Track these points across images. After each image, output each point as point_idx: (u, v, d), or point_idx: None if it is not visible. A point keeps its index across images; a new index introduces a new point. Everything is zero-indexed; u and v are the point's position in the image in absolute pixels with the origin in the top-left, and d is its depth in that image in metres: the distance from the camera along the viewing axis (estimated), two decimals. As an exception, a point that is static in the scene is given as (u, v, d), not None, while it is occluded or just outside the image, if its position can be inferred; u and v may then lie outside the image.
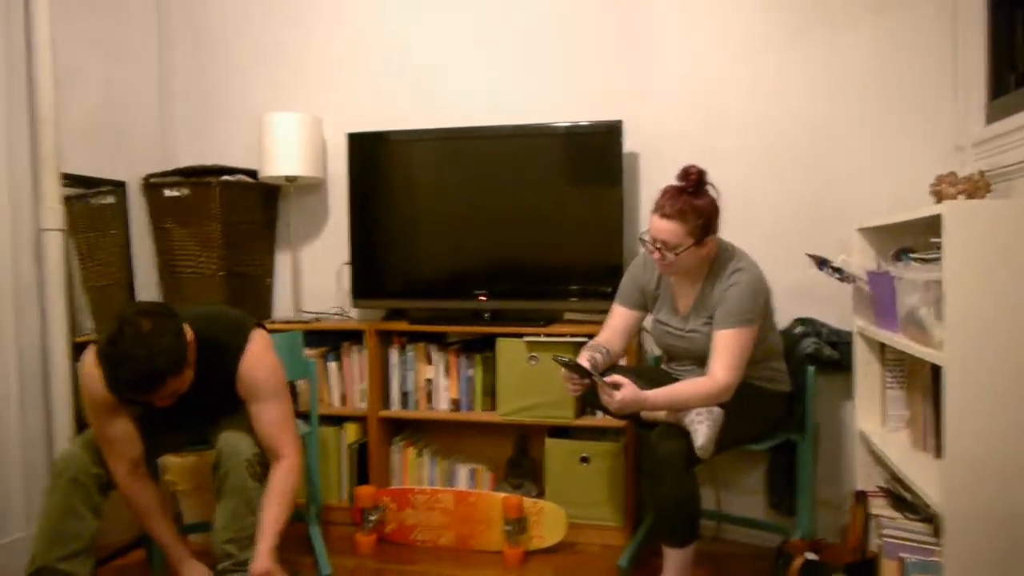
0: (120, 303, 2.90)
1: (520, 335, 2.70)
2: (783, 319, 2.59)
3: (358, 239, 2.97)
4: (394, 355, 2.91)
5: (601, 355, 2.25)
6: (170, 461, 2.70)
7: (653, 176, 2.81)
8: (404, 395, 2.91)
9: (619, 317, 2.35)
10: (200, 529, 2.60)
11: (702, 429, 2.01)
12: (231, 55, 3.25)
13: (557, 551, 2.64)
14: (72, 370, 2.46)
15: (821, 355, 2.47)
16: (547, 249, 2.80)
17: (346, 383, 2.96)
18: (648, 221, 2.16)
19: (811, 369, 2.39)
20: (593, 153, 2.74)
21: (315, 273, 3.20)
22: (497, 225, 2.84)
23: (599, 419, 2.69)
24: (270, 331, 2.18)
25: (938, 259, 1.60)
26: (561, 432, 2.78)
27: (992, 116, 2.20)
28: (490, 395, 2.83)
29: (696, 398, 2.07)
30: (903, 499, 2.09)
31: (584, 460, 2.71)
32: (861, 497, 2.15)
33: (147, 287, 3.10)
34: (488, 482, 2.92)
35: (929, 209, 1.72)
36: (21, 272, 2.35)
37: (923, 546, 1.81)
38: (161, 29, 3.27)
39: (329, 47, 3.16)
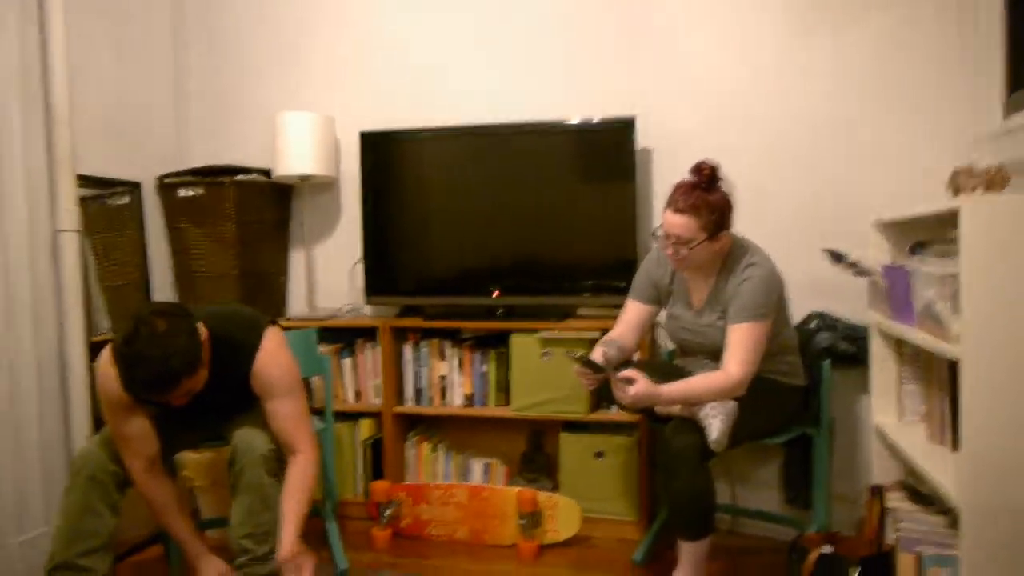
0: (136, 303, 2.92)
1: (534, 331, 2.71)
2: (798, 313, 2.58)
3: (371, 237, 2.98)
4: (408, 351, 2.92)
5: (615, 350, 2.25)
6: (187, 458, 2.73)
7: (666, 171, 2.80)
8: (418, 391, 2.92)
9: (632, 312, 2.35)
10: (217, 525, 2.62)
11: (716, 423, 2.01)
12: (245, 56, 3.27)
13: (571, 545, 2.64)
14: (89, 369, 2.48)
15: (836, 349, 2.47)
16: (560, 245, 2.80)
17: (360, 379, 2.98)
18: (661, 216, 2.16)
19: (826, 363, 2.38)
20: (607, 149, 2.73)
21: (328, 271, 3.21)
22: (510, 221, 2.84)
23: (613, 414, 2.69)
24: (284, 329, 2.19)
25: (955, 253, 1.59)
26: (575, 427, 2.79)
27: (1010, 109, 2.18)
28: (504, 390, 2.84)
29: (710, 392, 2.06)
30: (919, 493, 2.08)
31: (598, 455, 2.71)
32: (877, 491, 2.14)
33: (162, 287, 3.12)
34: (502, 477, 2.93)
35: (946, 203, 1.71)
36: (38, 273, 2.37)
37: (940, 539, 1.81)
38: (175, 30, 3.28)
39: (341, 45, 3.17)
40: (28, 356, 2.33)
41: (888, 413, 2.31)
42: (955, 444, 1.88)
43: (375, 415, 2.96)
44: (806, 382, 2.35)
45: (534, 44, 2.96)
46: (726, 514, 2.76)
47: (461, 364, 2.87)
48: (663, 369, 2.27)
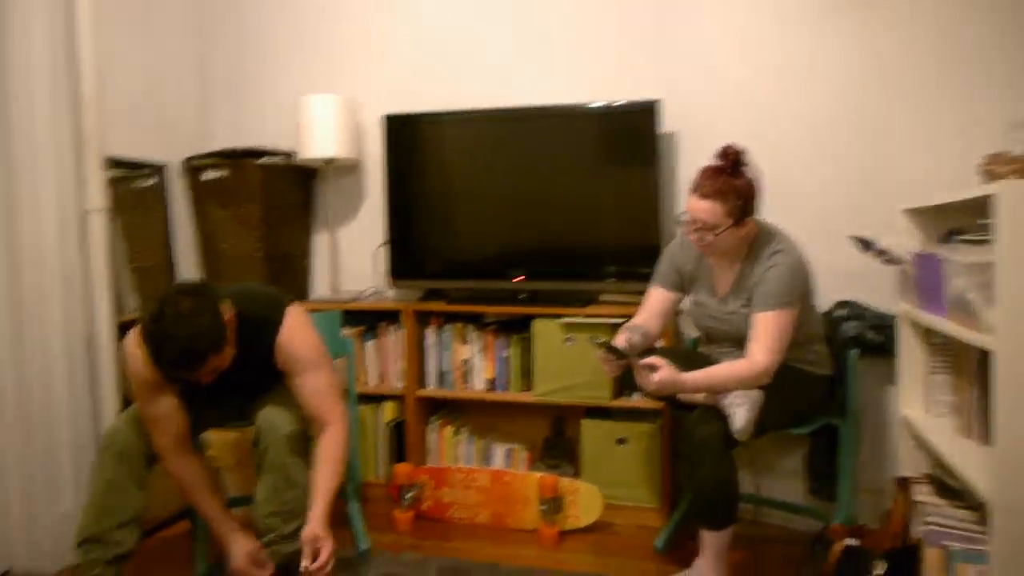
0: (163, 283, 2.95)
1: (556, 316, 2.70)
2: (825, 302, 2.54)
3: (395, 220, 2.98)
4: (431, 335, 2.93)
5: (638, 336, 2.23)
6: (212, 437, 2.76)
7: (691, 156, 2.77)
8: (441, 375, 2.93)
9: (656, 298, 2.33)
10: (242, 503, 2.65)
11: (741, 412, 1.99)
12: (269, 39, 3.27)
13: (592, 531, 2.64)
14: (117, 349, 2.52)
15: (864, 339, 2.43)
16: (584, 230, 2.78)
17: (383, 362, 2.99)
18: (686, 201, 2.13)
19: (853, 353, 2.35)
20: (631, 133, 2.70)
21: (352, 254, 3.22)
22: (534, 206, 2.83)
23: (636, 400, 2.67)
24: (309, 311, 2.20)
25: (988, 241, 1.55)
26: (598, 413, 2.78)
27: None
28: (526, 375, 2.83)
29: (734, 381, 2.04)
30: (947, 486, 2.05)
31: (620, 441, 2.70)
32: (904, 483, 2.11)
33: (189, 267, 3.15)
34: (524, 462, 2.94)
35: (980, 189, 1.67)
36: (67, 253, 2.40)
37: (968, 534, 1.78)
38: (201, 14, 3.29)
39: (365, 29, 3.16)
40: (58, 335, 2.37)
41: (916, 404, 2.27)
42: (986, 437, 1.85)
43: (398, 398, 2.98)
44: (832, 372, 2.31)
45: (558, 27, 2.93)
46: (749, 504, 2.74)
47: (484, 348, 2.87)
48: (687, 356, 2.25)
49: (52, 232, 2.36)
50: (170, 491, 2.11)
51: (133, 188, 2.90)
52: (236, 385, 2.12)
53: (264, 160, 2.98)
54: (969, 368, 1.95)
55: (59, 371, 2.37)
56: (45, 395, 2.35)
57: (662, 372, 2.03)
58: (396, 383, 2.96)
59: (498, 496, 2.72)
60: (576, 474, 2.81)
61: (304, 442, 2.08)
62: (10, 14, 2.27)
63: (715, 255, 2.20)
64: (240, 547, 2.07)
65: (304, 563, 1.90)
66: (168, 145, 3.09)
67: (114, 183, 2.72)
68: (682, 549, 2.46)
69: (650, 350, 2.25)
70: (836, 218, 2.64)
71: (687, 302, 2.36)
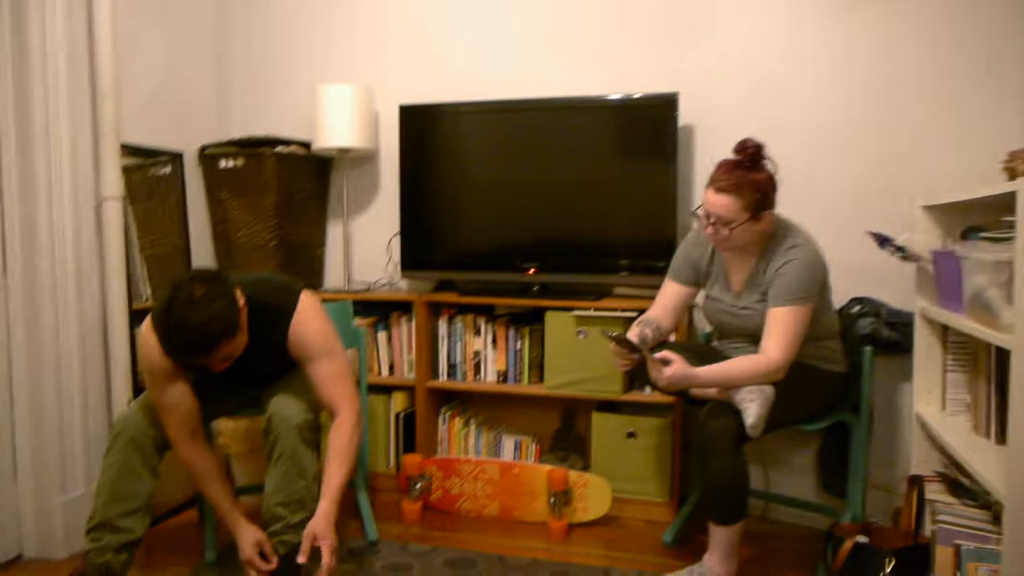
0: (176, 271, 2.96)
1: (569, 309, 2.69)
2: (841, 298, 2.51)
3: (409, 211, 2.97)
4: (442, 326, 2.93)
5: (651, 330, 2.23)
6: (223, 425, 2.77)
7: (708, 150, 2.75)
8: (452, 366, 2.93)
9: (670, 293, 2.32)
10: (252, 491, 2.66)
11: (753, 408, 1.98)
12: (286, 28, 3.26)
13: (601, 524, 2.64)
14: (130, 335, 2.53)
15: (879, 336, 2.41)
16: (598, 223, 2.77)
17: (395, 353, 2.99)
18: (702, 195, 2.11)
19: (868, 350, 2.33)
20: (648, 126, 2.68)
21: (365, 244, 3.22)
22: (548, 198, 2.82)
23: (647, 395, 2.67)
24: (322, 301, 2.20)
25: (1010, 238, 1.53)
26: (608, 406, 2.77)
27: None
28: (538, 368, 2.83)
29: (747, 376, 2.03)
30: (960, 485, 2.03)
31: (631, 435, 2.70)
32: (916, 481, 2.10)
33: (203, 256, 3.16)
34: (534, 454, 2.93)
35: (1002, 186, 1.65)
36: (82, 240, 2.41)
37: (980, 533, 1.76)
38: (218, 2, 3.29)
39: (382, 18, 3.15)
40: (71, 321, 2.38)
41: (930, 402, 2.25)
42: (1001, 436, 1.83)
43: (409, 389, 2.98)
44: (847, 368, 2.30)
45: (577, 18, 2.91)
46: (759, 499, 2.73)
47: (495, 340, 2.87)
48: (699, 351, 2.23)
49: (68, 219, 2.37)
50: (180, 478, 2.12)
51: (149, 176, 2.91)
52: (248, 373, 2.13)
53: (279, 149, 2.98)
54: (985, 366, 1.93)
55: (72, 358, 2.39)
56: (58, 382, 2.37)
57: (674, 366, 2.02)
58: (407, 374, 2.96)
59: (507, 488, 2.72)
60: (585, 467, 2.81)
61: (315, 431, 2.08)
62: (29, 2, 2.28)
63: (731, 250, 2.18)
64: (247, 537, 2.07)
65: (300, 558, 1.89)
66: (184, 134, 3.09)
67: (130, 171, 2.73)
68: (691, 543, 2.45)
69: (662, 344, 2.24)
70: (853, 214, 2.61)
71: (701, 297, 2.35)
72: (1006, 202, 1.53)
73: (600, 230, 2.77)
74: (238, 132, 3.20)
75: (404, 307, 2.97)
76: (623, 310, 2.62)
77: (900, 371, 2.54)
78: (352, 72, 3.18)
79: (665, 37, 2.81)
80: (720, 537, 2.08)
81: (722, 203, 2.05)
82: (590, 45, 2.91)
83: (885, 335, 2.41)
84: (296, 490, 2.00)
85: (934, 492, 2.02)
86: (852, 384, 2.34)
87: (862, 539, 2.00)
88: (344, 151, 3.01)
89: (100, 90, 2.44)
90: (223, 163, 3.02)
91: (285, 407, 2.04)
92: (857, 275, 2.57)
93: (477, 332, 2.89)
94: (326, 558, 1.90)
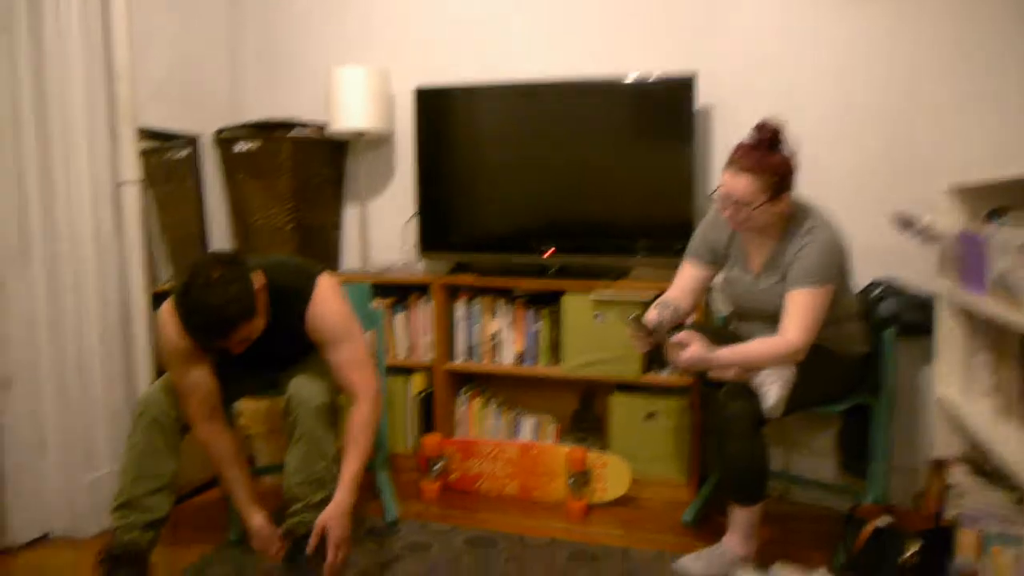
0: (195, 254, 2.98)
1: (587, 290, 2.68)
2: (861, 279, 2.49)
3: (425, 192, 2.97)
4: (460, 308, 2.93)
5: (670, 312, 2.22)
6: (244, 406, 2.80)
7: (726, 130, 2.71)
8: (470, 348, 2.93)
9: (688, 275, 2.30)
10: (273, 471, 2.69)
11: (773, 389, 1.97)
12: (301, 9, 3.24)
13: (620, 505, 2.65)
14: (151, 318, 2.55)
15: (901, 317, 2.38)
16: (616, 204, 2.75)
17: (413, 334, 3.00)
18: (721, 176, 2.09)
19: (889, 332, 2.31)
20: (665, 107, 2.66)
21: (382, 226, 3.22)
22: (565, 179, 2.80)
23: (665, 376, 2.66)
24: (339, 283, 2.21)
25: (1037, 220, 1.50)
26: (627, 388, 2.77)
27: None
28: (555, 349, 2.83)
29: (767, 358, 2.02)
30: (983, 468, 2.02)
31: (649, 416, 2.70)
32: (939, 464, 2.08)
33: (220, 239, 3.18)
34: (552, 435, 2.94)
35: (1029, 166, 1.62)
36: (101, 224, 2.42)
37: (1005, 517, 1.75)
38: (231, -18, 3.28)
39: (395, 0, 3.13)
40: (92, 305, 2.40)
41: (953, 385, 2.23)
42: (1025, 419, 1.81)
43: (427, 370, 2.99)
44: (867, 350, 2.28)
45: (594, -4, 2.88)
46: (779, 481, 2.73)
47: (513, 322, 2.87)
48: (716, 333, 2.22)
49: (87, 203, 2.38)
50: (203, 458, 2.14)
51: (166, 160, 2.92)
52: (268, 355, 2.14)
53: (295, 132, 2.98)
54: (1010, 349, 1.91)
55: (95, 340, 2.41)
56: (81, 363, 2.40)
57: (692, 348, 2.01)
58: (425, 355, 2.97)
59: (526, 469, 2.74)
60: (604, 448, 2.82)
61: (334, 413, 2.10)
62: (44, -15, 2.28)
63: (749, 232, 2.16)
64: (257, 523, 2.09)
65: (308, 551, 1.93)
66: (200, 117, 3.10)
67: (147, 155, 2.74)
68: (710, 524, 2.46)
69: (681, 326, 2.23)
70: (873, 195, 2.58)
71: (719, 279, 2.33)
72: (1033, 183, 1.50)
73: (617, 211, 2.75)
74: (253, 115, 3.20)
75: (422, 289, 2.98)
76: (640, 292, 2.61)
77: (921, 353, 2.51)
78: (368, 54, 3.16)
79: (685, 16, 2.77)
80: (739, 518, 2.09)
81: (740, 185, 2.03)
82: (608, 25, 2.87)
83: (907, 317, 2.39)
84: (315, 471, 2.02)
85: (957, 475, 2.01)
86: (873, 366, 2.32)
87: (885, 521, 1.99)
88: (360, 133, 3.00)
89: (116, 73, 2.44)
90: (239, 146, 3.03)
91: (304, 388, 2.05)
92: (878, 256, 2.55)
93: (495, 314, 2.89)
94: (331, 556, 1.92)
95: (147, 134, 2.75)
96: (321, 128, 3.07)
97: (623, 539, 2.41)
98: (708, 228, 2.30)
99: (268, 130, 2.99)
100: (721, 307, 2.64)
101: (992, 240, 1.79)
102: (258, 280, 1.94)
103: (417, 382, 2.99)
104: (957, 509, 1.85)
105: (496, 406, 3.01)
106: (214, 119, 3.15)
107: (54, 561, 2.30)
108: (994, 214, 1.97)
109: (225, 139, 3.08)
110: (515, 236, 2.88)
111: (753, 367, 2.03)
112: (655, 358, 2.25)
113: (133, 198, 2.50)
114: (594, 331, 2.69)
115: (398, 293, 3.03)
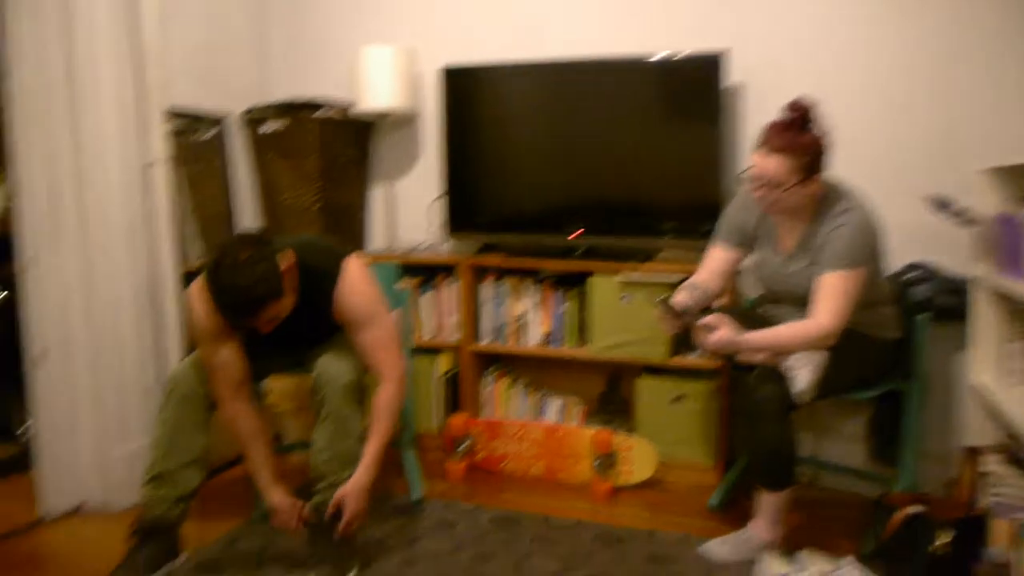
0: (224, 233, 3.01)
1: (614, 272, 2.66)
2: (895, 263, 2.44)
3: (452, 173, 2.96)
4: (487, 289, 2.92)
5: (698, 294, 2.19)
6: (273, 384, 2.83)
7: (756, 110, 2.66)
8: (496, 329, 2.93)
9: (717, 257, 2.27)
10: (301, 448, 2.72)
11: (803, 374, 1.95)
12: (327, -15, 3.24)
13: (645, 488, 2.64)
14: (181, 296, 2.58)
15: (935, 302, 2.33)
16: (643, 185, 2.72)
17: (439, 315, 3.00)
18: (751, 156, 2.05)
19: (922, 317, 2.26)
20: (693, 86, 2.61)
21: (408, 206, 3.22)
22: (592, 159, 2.77)
23: (694, 359, 2.63)
24: (366, 263, 2.21)
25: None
26: (654, 370, 2.75)
27: None
28: (582, 330, 2.82)
29: (797, 342, 1.99)
30: (1018, 457, 1.98)
31: (677, 399, 2.68)
32: (972, 452, 2.05)
33: (248, 219, 3.20)
34: (578, 416, 2.94)
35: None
36: (131, 204, 2.45)
37: (1039, 507, 1.72)
38: (259, -40, 3.28)
39: (423, -25, 3.11)
40: (125, 284, 2.44)
41: (988, 372, 2.18)
42: (1063, 407, 1.77)
43: (454, 350, 2.99)
44: (900, 335, 2.24)
45: (624, -28, 2.83)
46: (808, 467, 2.70)
47: (540, 303, 2.86)
48: (744, 316, 2.20)
49: (116, 183, 2.41)
50: (229, 436, 2.17)
51: (194, 140, 2.94)
52: (296, 334, 2.16)
53: (321, 113, 2.98)
54: (1049, 335, 1.86)
55: (126, 317, 2.45)
56: (114, 339, 2.44)
57: (721, 332, 1.99)
58: (451, 336, 2.98)
59: (551, 450, 2.74)
60: (630, 431, 2.80)
61: (360, 392, 2.11)
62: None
63: (780, 213, 2.13)
64: (277, 500, 2.11)
65: (327, 515, 1.99)
66: (227, 97, 3.11)
67: (175, 135, 2.76)
68: (737, 508, 2.44)
69: (708, 309, 2.20)
70: (908, 177, 2.52)
71: (750, 261, 2.30)
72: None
73: (645, 192, 2.72)
74: (280, 95, 3.21)
75: (449, 269, 2.98)
76: (668, 274, 2.58)
77: (955, 338, 2.46)
78: (394, 33, 3.15)
79: (716, -9, 2.72)
80: (767, 503, 2.07)
81: (771, 165, 1.99)
82: (636, 3, 2.82)
83: (941, 301, 2.34)
84: (341, 449, 2.04)
85: (992, 464, 1.97)
86: (905, 351, 2.28)
87: (917, 509, 1.96)
88: (386, 114, 3.00)
89: (145, 53, 2.46)
90: (266, 127, 3.04)
91: (331, 367, 2.07)
92: (913, 240, 2.49)
93: (521, 295, 2.88)
94: (343, 526, 1.99)
95: (175, 114, 2.77)
96: (347, 108, 3.06)
97: (649, 522, 2.40)
98: (737, 209, 2.26)
99: (295, 110, 3.00)
100: (749, 291, 2.60)
101: (1033, 223, 1.75)
102: (288, 259, 1.95)
103: (443, 362, 2.99)
104: (990, 498, 1.81)
105: (522, 387, 3.00)
106: (241, 99, 3.16)
107: (87, 532, 2.35)
108: (1034, 196, 1.92)
109: (253, 119, 3.09)
110: (542, 217, 2.86)
111: (783, 351, 2.00)
112: (683, 341, 2.23)
113: (162, 178, 2.53)
114: (621, 313, 2.67)
115: (425, 273, 3.03)
